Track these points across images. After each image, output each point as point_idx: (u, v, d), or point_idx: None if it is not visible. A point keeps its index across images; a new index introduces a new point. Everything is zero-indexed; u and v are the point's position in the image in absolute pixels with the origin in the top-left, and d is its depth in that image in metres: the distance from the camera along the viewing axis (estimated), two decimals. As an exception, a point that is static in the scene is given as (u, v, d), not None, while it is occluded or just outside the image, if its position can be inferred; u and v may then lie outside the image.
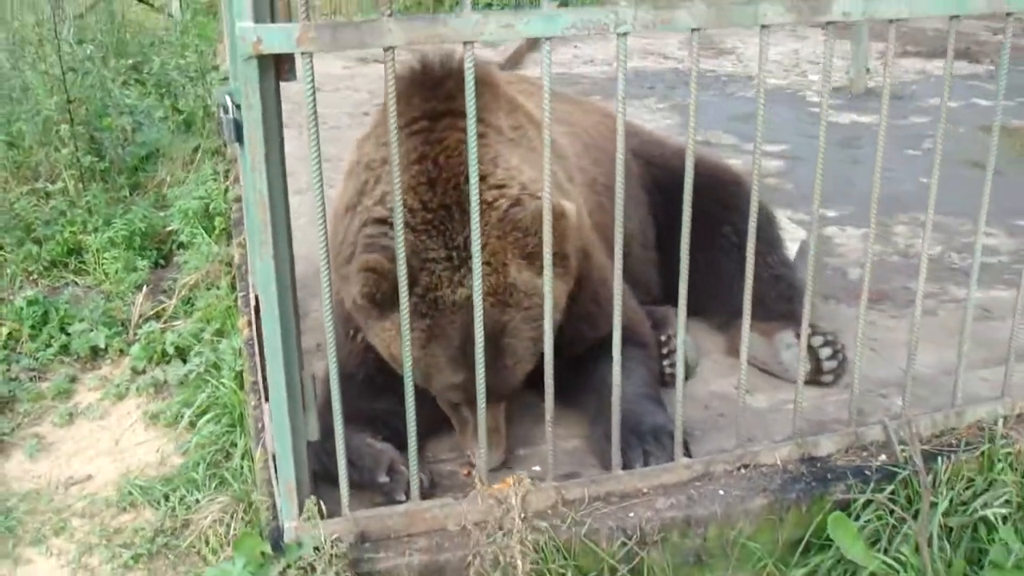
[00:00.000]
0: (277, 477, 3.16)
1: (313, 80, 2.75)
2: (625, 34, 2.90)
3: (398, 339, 3.23)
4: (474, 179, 2.96)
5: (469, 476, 3.47)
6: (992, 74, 9.50)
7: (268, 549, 3.11)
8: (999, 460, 3.56)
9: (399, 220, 2.92)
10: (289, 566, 3.01)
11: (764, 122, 3.23)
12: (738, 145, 7.44)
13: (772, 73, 9.77)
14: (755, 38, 9.93)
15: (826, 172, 6.59)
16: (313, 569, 2.98)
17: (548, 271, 3.07)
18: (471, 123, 2.90)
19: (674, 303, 3.42)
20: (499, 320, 3.32)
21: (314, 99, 2.76)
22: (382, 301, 3.21)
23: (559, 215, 3.29)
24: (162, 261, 6.44)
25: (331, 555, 2.97)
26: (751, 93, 9.03)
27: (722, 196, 4.46)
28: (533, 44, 10.77)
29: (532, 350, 3.38)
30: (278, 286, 2.83)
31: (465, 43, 2.81)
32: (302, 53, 2.70)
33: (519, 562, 2.92)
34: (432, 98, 3.57)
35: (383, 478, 3.30)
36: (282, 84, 2.83)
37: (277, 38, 2.65)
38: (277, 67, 2.77)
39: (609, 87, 8.95)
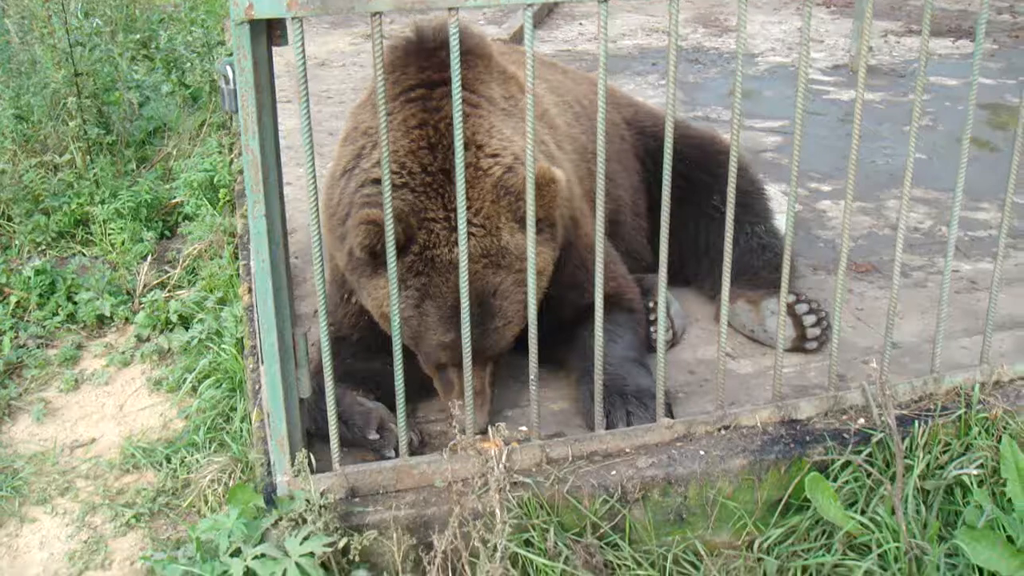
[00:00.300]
0: (271, 434, 3.26)
1: (303, 44, 2.84)
2: (605, 1, 2.97)
3: (388, 300, 3.31)
4: (459, 144, 3.06)
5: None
6: (994, 53, 9.53)
7: (261, 503, 3.22)
8: (975, 425, 3.65)
9: (387, 180, 3.01)
10: (281, 518, 3.11)
11: (741, 83, 3.27)
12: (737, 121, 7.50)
13: (775, 51, 9.81)
14: (759, 15, 10.00)
15: (824, 147, 6.69)
16: (304, 521, 3.09)
17: (531, 231, 3.16)
18: (456, 88, 2.99)
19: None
20: (491, 281, 3.42)
21: (304, 63, 2.85)
22: (381, 253, 3.27)
23: (549, 181, 3.39)
24: (167, 232, 6.55)
25: (321, 507, 3.07)
26: (752, 71, 9.07)
27: (711, 167, 4.54)
28: (539, 21, 10.83)
29: (522, 312, 3.47)
30: (270, 244, 2.94)
31: (449, 9, 2.89)
32: (292, 18, 2.79)
33: (498, 512, 3.00)
34: (427, 67, 3.67)
35: (373, 435, 3.41)
36: (286, 61, 2.92)
37: (268, 3, 2.75)
38: (269, 32, 2.86)
39: (613, 64, 9.01)
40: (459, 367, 3.35)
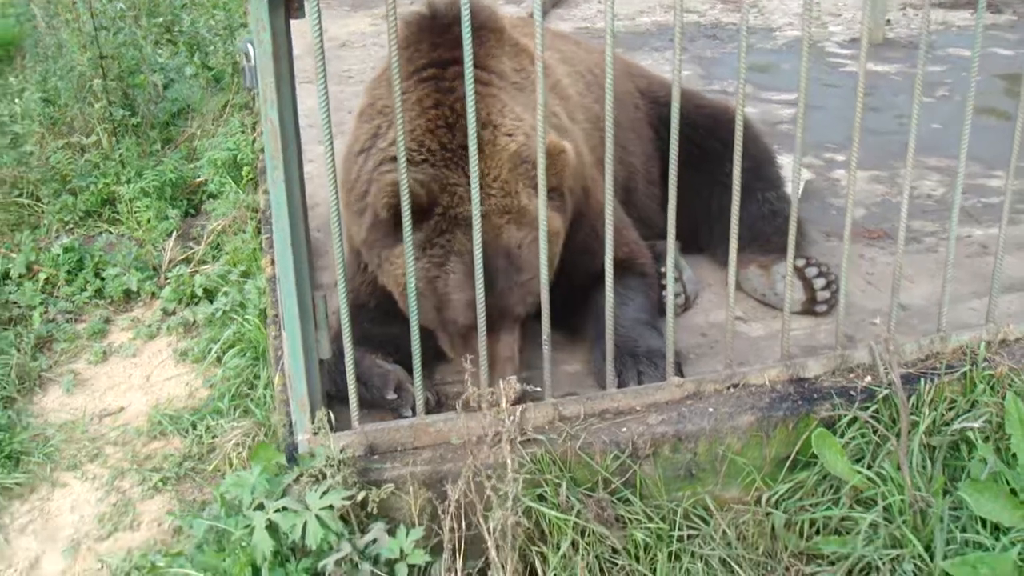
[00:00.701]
0: (292, 395, 3.37)
1: (320, 15, 2.93)
2: (611, -29, 3.05)
3: (414, 263, 3.41)
4: (471, 122, 3.17)
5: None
6: (1013, 24, 9.53)
7: (283, 461, 3.33)
8: (980, 382, 3.72)
9: (402, 150, 3.10)
10: (302, 474, 3.22)
11: (749, 53, 3.33)
12: (754, 94, 7.54)
13: (793, 25, 9.83)
14: (777, -9, 9.79)
15: (840, 119, 6.72)
16: (324, 476, 3.19)
17: (543, 193, 3.25)
18: (468, 66, 3.08)
19: (677, 237, 3.60)
20: (514, 236, 3.53)
21: (320, 34, 2.95)
22: (414, 211, 3.35)
23: (559, 152, 3.49)
24: (192, 211, 6.68)
25: (340, 461, 3.18)
26: (770, 45, 9.11)
27: (723, 135, 4.57)
28: (557, 1, 10.88)
29: (541, 277, 3.56)
30: (289, 210, 3.04)
31: (462, -20, 2.97)
32: (307, -10, 2.88)
33: (509, 462, 3.10)
34: (440, 45, 3.76)
35: (391, 395, 3.51)
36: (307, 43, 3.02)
37: (284, -25, 2.84)
38: (287, 5, 2.95)
39: (631, 41, 9.06)
40: (488, 331, 3.42)
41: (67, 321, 5.44)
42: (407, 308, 3.37)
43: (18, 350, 5.09)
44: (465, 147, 3.49)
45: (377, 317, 3.86)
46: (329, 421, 3.28)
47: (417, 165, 3.49)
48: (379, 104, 3.85)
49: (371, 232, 3.63)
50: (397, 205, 3.31)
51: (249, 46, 3.09)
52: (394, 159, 3.51)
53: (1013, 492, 3.39)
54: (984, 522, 3.37)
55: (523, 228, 3.54)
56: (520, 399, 3.37)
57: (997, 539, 3.32)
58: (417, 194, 3.38)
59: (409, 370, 3.51)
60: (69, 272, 5.76)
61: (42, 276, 5.71)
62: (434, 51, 3.77)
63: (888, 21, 9.53)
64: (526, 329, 3.77)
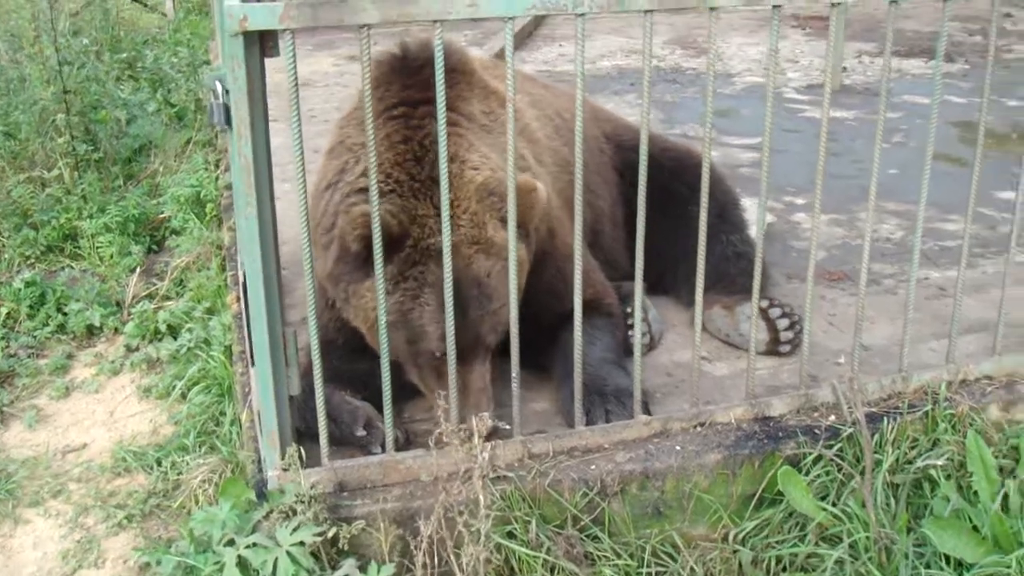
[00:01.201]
0: (261, 431, 3.37)
1: (295, 55, 2.97)
2: (583, 15, 3.12)
3: (387, 297, 3.43)
4: (443, 164, 3.21)
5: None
6: (966, 73, 9.74)
7: (253, 497, 3.33)
8: (942, 421, 3.78)
9: (373, 179, 3.14)
10: (272, 511, 3.22)
11: (714, 98, 3.40)
12: (715, 138, 7.66)
13: (752, 71, 10.00)
14: (736, 37, 10.26)
15: (800, 163, 6.85)
16: (294, 512, 3.19)
17: (512, 225, 3.30)
18: (440, 106, 3.12)
19: (643, 278, 3.64)
20: (483, 265, 3.56)
21: (295, 72, 2.98)
22: (385, 243, 3.38)
23: (531, 190, 3.56)
24: (155, 247, 6.66)
25: (311, 498, 3.19)
26: (729, 90, 9.26)
27: (688, 178, 4.66)
28: (520, 42, 11.00)
29: (510, 307, 3.57)
30: (261, 245, 3.06)
31: (435, 21, 3.02)
32: (284, 29, 2.91)
33: (481, 497, 3.12)
34: (411, 86, 3.82)
35: (361, 432, 3.52)
36: (267, 82, 3.06)
37: (262, 15, 2.88)
38: (262, 43, 2.99)
39: (593, 84, 9.17)
40: (460, 362, 3.44)
41: (29, 356, 5.39)
42: (376, 343, 3.39)
43: (-22, 385, 5.05)
44: (433, 179, 3.55)
45: (345, 354, 3.88)
46: (300, 457, 3.28)
47: (385, 196, 3.51)
48: (348, 142, 3.89)
49: (337, 266, 3.64)
50: (368, 236, 3.32)
51: (217, 83, 3.11)
52: (362, 191, 3.58)
53: (975, 529, 3.45)
54: (948, 558, 3.42)
55: (491, 258, 3.58)
56: (491, 435, 3.39)
57: (960, 575, 3.37)
58: (389, 225, 3.41)
59: (378, 407, 3.52)
60: (31, 307, 5.72)
61: (3, 310, 5.66)
62: (404, 91, 3.82)
63: (845, 69, 9.71)
64: (496, 362, 3.79)
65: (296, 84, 3.00)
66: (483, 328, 3.57)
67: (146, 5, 13.84)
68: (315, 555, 3.17)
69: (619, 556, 3.47)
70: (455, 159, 3.62)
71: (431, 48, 3.78)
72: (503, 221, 3.55)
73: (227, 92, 3.04)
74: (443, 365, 3.51)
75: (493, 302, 3.57)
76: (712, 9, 3.26)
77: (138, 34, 11.27)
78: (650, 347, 4.31)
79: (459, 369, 3.48)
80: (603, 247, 4.65)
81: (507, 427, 3.52)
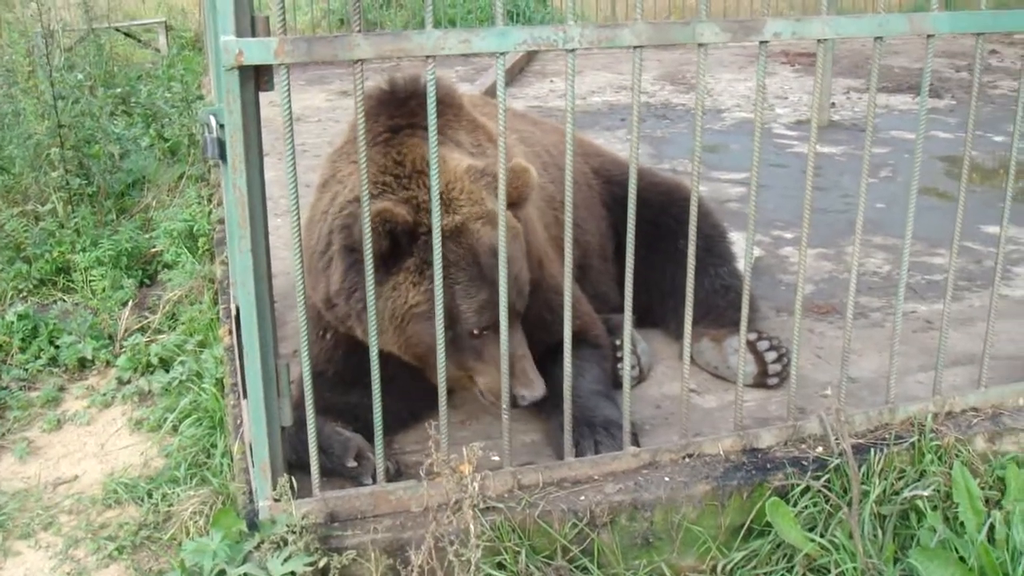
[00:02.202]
0: (253, 462, 3.39)
1: (289, 89, 3.01)
2: (573, 50, 3.17)
3: (411, 289, 3.54)
4: (435, 191, 3.22)
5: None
6: (953, 108, 9.85)
7: (244, 527, 3.34)
8: (928, 452, 3.82)
9: (366, 193, 3.17)
10: (263, 541, 3.24)
11: (702, 133, 3.45)
12: (704, 173, 7.70)
13: (740, 107, 10.10)
14: (725, 73, 10.36)
15: (787, 198, 6.92)
16: (285, 543, 3.21)
17: (503, 223, 3.34)
18: (432, 132, 3.17)
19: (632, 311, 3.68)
20: (493, 235, 3.59)
21: (290, 106, 3.03)
22: (400, 236, 3.50)
23: (523, 170, 3.70)
24: (147, 280, 6.70)
25: (302, 528, 3.20)
26: (718, 126, 9.34)
27: (676, 212, 4.72)
28: (511, 78, 11.09)
29: (525, 270, 3.77)
30: (255, 277, 3.09)
31: (427, 57, 3.07)
32: (279, 64, 2.96)
33: (472, 526, 3.14)
34: (396, 115, 3.89)
35: (351, 463, 3.55)
36: (265, 116, 3.10)
37: (257, 50, 2.92)
38: (257, 78, 3.03)
39: (583, 120, 9.26)
40: (496, 329, 3.50)
41: (20, 389, 5.41)
42: (405, 342, 3.58)
43: (-30, 417, 5.06)
44: (417, 171, 3.67)
45: (336, 385, 3.91)
46: (291, 487, 3.30)
47: (376, 199, 3.57)
48: (339, 175, 3.93)
49: (348, 277, 3.67)
50: (393, 230, 3.43)
51: (211, 117, 3.15)
52: (353, 200, 3.64)
53: (962, 560, 3.47)
54: (934, 590, 3.45)
55: (497, 228, 3.59)
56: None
57: (947, 606, 3.39)
58: (402, 216, 3.48)
59: (369, 438, 3.55)
60: (23, 339, 5.75)
61: (-5, 343, 5.69)
62: (391, 120, 3.89)
63: (833, 105, 9.81)
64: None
65: (291, 118, 3.05)
66: (511, 294, 3.57)
67: (140, 41, 13.94)
68: (306, 585, 3.18)
69: (609, 587, 3.49)
70: (444, 163, 3.69)
71: (418, 82, 3.88)
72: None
73: (221, 126, 3.08)
74: (482, 342, 3.61)
75: (512, 266, 3.59)
76: (701, 45, 3.32)
77: (132, 69, 11.37)
78: (639, 379, 4.35)
79: (496, 342, 3.53)
80: (591, 281, 4.69)
81: (495, 459, 3.54)
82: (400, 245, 3.54)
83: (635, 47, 3.23)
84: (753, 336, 4.30)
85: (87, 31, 10.74)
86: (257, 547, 3.24)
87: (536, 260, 4.01)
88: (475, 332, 3.65)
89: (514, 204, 3.63)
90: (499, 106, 3.19)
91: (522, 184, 3.69)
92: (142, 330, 5.85)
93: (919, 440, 3.83)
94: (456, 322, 3.61)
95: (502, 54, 3.13)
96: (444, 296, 3.43)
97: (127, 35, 13.78)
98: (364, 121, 3.13)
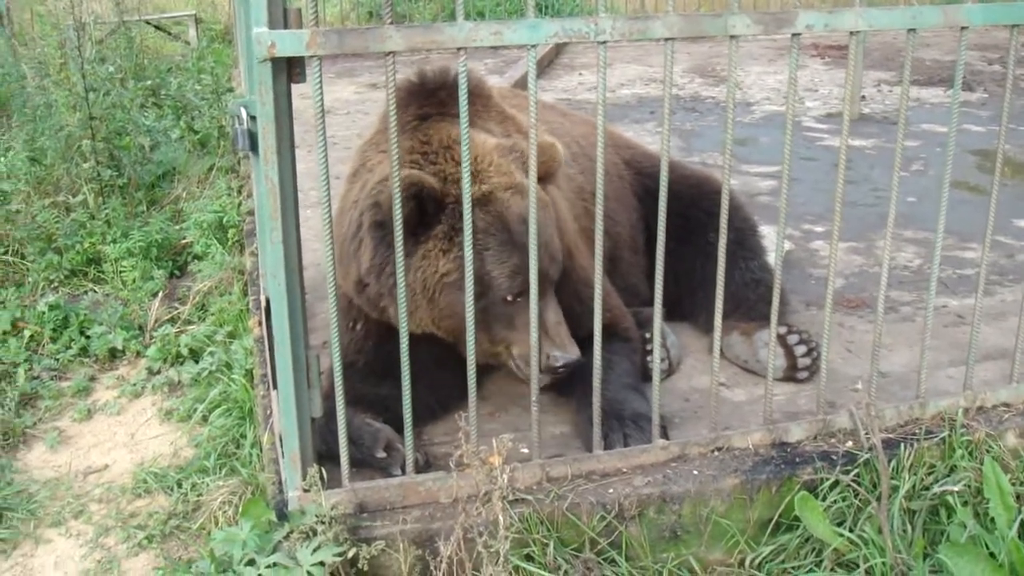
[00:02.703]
0: (283, 452, 3.40)
1: (321, 80, 3.02)
2: (604, 42, 3.16)
3: (440, 257, 3.58)
4: (466, 175, 3.22)
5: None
6: (985, 102, 9.77)
7: (274, 518, 3.36)
8: (959, 448, 3.79)
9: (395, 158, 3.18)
10: (292, 531, 3.25)
11: (733, 125, 3.44)
12: (733, 166, 7.67)
13: (770, 100, 10.05)
14: (755, 66, 10.31)
15: (818, 191, 6.89)
16: (315, 533, 3.22)
17: (533, 196, 3.33)
18: (464, 119, 3.17)
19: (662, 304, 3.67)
20: (522, 204, 3.63)
21: (322, 98, 3.03)
22: (427, 202, 3.54)
23: (549, 146, 3.76)
24: (177, 272, 6.74)
25: (331, 518, 3.21)
26: (748, 119, 9.31)
27: (707, 205, 4.70)
28: (540, 71, 11.09)
29: (556, 238, 3.81)
30: (286, 269, 3.10)
31: (459, 49, 3.07)
32: (311, 56, 2.97)
33: (501, 518, 3.14)
34: (425, 105, 3.91)
35: (381, 454, 3.56)
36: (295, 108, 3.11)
37: (289, 42, 2.93)
38: (289, 70, 3.04)
39: (612, 113, 9.24)
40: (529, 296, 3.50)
41: (52, 378, 5.46)
42: (436, 315, 3.61)
43: (2, 406, 5.10)
44: (446, 147, 3.73)
45: (366, 377, 3.92)
46: (321, 477, 3.31)
47: (409, 167, 3.63)
48: (369, 163, 3.96)
49: (377, 253, 3.69)
50: (419, 195, 3.49)
51: (242, 109, 3.16)
52: (384, 179, 3.64)
53: (992, 556, 3.45)
54: (964, 586, 3.43)
55: (527, 198, 3.56)
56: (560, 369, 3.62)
57: (977, 602, 3.37)
58: (430, 184, 3.54)
59: (398, 429, 3.56)
60: (54, 330, 5.80)
61: (27, 333, 5.74)
62: (420, 110, 3.92)
63: (863, 98, 9.75)
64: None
65: (322, 109, 3.06)
66: (544, 262, 3.60)
67: (170, 33, 14.01)
68: (335, 575, 3.19)
69: (636, 580, 3.49)
70: (472, 141, 3.72)
71: (447, 74, 3.90)
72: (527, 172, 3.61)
73: (252, 118, 3.09)
74: (515, 310, 3.64)
75: (543, 235, 3.60)
76: (732, 37, 3.31)
77: (162, 62, 11.42)
78: (668, 372, 4.34)
79: (526, 305, 3.52)
80: (622, 273, 4.68)
81: (524, 451, 3.55)
82: (428, 213, 3.57)
83: (666, 39, 3.22)
84: (783, 330, 4.28)
85: (118, 24, 10.78)
86: (286, 537, 3.26)
87: (566, 250, 4.01)
88: (508, 299, 3.67)
89: (542, 179, 3.63)
90: (530, 98, 3.18)
91: (548, 159, 3.72)
92: (172, 321, 5.89)
93: (950, 435, 3.80)
94: (488, 289, 3.64)
95: (533, 46, 3.13)
96: (475, 263, 3.45)
97: (157, 28, 13.85)
98: (395, 111, 3.14)
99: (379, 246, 3.69)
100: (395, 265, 3.32)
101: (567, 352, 3.68)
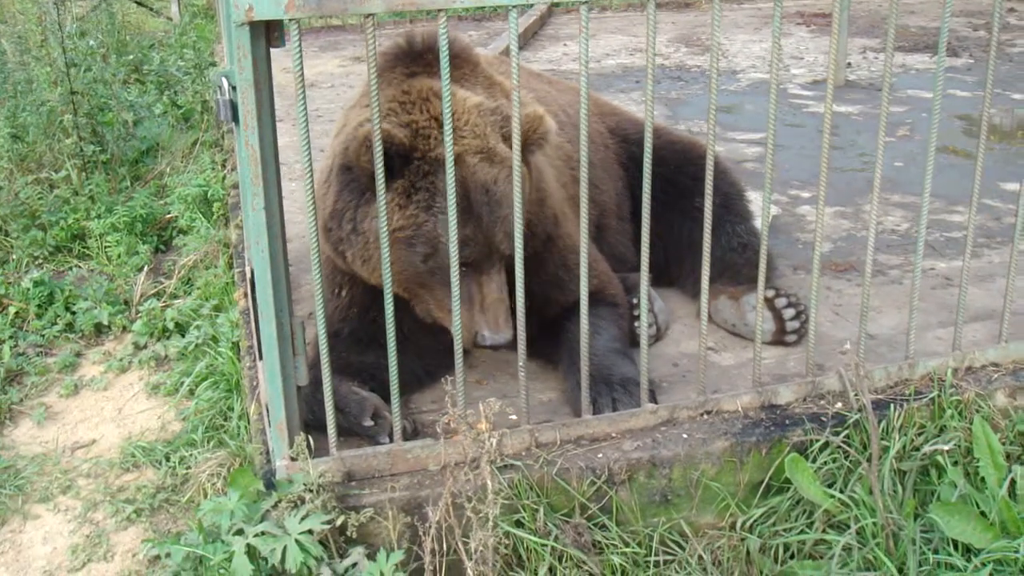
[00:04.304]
0: (269, 422, 3.38)
1: (300, 45, 2.98)
2: (586, 3, 3.13)
3: (395, 211, 3.50)
4: (448, 144, 3.19)
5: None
6: (970, 67, 9.74)
7: (261, 487, 3.34)
8: (948, 408, 3.79)
9: (376, 108, 3.15)
10: (280, 500, 3.23)
11: (718, 89, 3.41)
12: (720, 134, 7.66)
13: (756, 68, 10.00)
14: (740, 35, 10.26)
15: (804, 157, 6.87)
16: (303, 501, 3.20)
17: (517, 157, 3.31)
18: (445, 81, 3.13)
19: (649, 270, 3.65)
20: (489, 172, 3.59)
21: (301, 62, 3.00)
22: (393, 157, 3.45)
23: (537, 117, 3.64)
24: (162, 246, 6.69)
25: (319, 486, 3.20)
26: (734, 87, 9.27)
27: (693, 171, 4.68)
28: (525, 42, 11.03)
29: (516, 215, 3.53)
30: (269, 235, 3.07)
31: (439, 11, 3.03)
32: (289, 19, 2.93)
33: (489, 483, 3.13)
34: (412, 65, 3.87)
35: (368, 422, 3.54)
36: (277, 83, 3.08)
37: (267, 5, 2.89)
38: (267, 33, 3.00)
39: (597, 82, 9.19)
40: (479, 268, 3.52)
41: (37, 354, 5.42)
42: (396, 260, 3.47)
43: (-12, 383, 5.07)
44: (423, 99, 3.65)
45: (352, 345, 3.90)
46: (308, 446, 3.29)
47: (383, 118, 3.53)
48: (351, 121, 3.91)
49: (341, 198, 3.65)
50: (387, 151, 3.35)
51: (224, 79, 3.13)
52: (356, 127, 3.63)
53: (983, 515, 3.45)
54: (955, 544, 3.42)
55: (495, 166, 3.61)
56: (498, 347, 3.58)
57: (968, 560, 3.37)
58: (396, 137, 3.46)
59: (385, 397, 3.54)
60: (39, 306, 5.76)
61: (12, 310, 5.70)
62: (407, 69, 3.88)
63: (849, 64, 9.72)
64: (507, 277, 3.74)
65: (302, 75, 3.02)
66: (496, 235, 3.57)
67: (151, 9, 13.89)
68: (324, 543, 3.18)
69: (627, 544, 3.48)
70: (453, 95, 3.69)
71: (435, 37, 3.84)
72: (505, 140, 3.63)
73: (234, 89, 3.05)
74: (460, 278, 3.46)
75: (503, 207, 3.58)
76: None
77: (144, 38, 11.32)
78: (656, 337, 4.32)
79: (475, 279, 3.54)
80: (608, 242, 4.66)
81: (512, 418, 3.54)
82: (392, 168, 3.46)
83: (649, -1, 3.19)
84: (771, 293, 4.26)
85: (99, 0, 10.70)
86: (274, 506, 3.24)
87: (551, 216, 3.99)
88: None
89: (524, 148, 3.54)
90: (512, 60, 3.15)
91: (531, 129, 3.60)
92: (158, 295, 5.85)
93: (939, 395, 3.80)
94: (436, 252, 3.57)
95: (515, 7, 3.10)
96: (428, 224, 3.47)
97: (139, 3, 13.72)
98: (380, 75, 3.10)
99: (343, 191, 3.65)
100: (356, 212, 3.49)
101: (498, 333, 3.59)
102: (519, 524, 3.37)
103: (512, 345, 3.54)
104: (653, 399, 3.71)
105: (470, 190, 3.54)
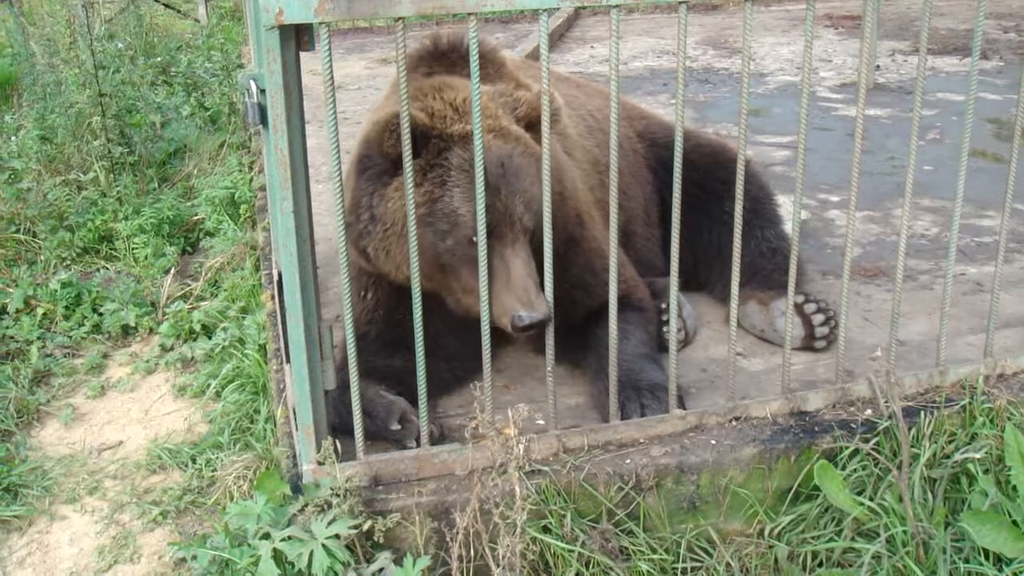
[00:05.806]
0: (297, 426, 3.38)
1: (330, 48, 2.98)
2: (617, 6, 3.11)
3: (416, 190, 3.41)
4: (477, 136, 3.18)
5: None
6: (1001, 70, 9.67)
7: (288, 491, 3.34)
8: (980, 415, 3.75)
9: (405, 98, 3.14)
10: (307, 504, 3.23)
11: (748, 89, 3.38)
12: (748, 137, 7.63)
13: (784, 71, 9.96)
14: (768, 37, 10.20)
15: (833, 161, 6.82)
16: (329, 506, 3.20)
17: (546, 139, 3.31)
18: (475, 81, 3.12)
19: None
20: (502, 147, 3.58)
21: (330, 65, 2.99)
22: (414, 137, 3.41)
23: (538, 95, 3.57)
24: (189, 248, 6.72)
25: (346, 490, 3.19)
26: (762, 89, 9.23)
27: (722, 175, 4.65)
28: (552, 43, 11.02)
29: (537, 187, 3.55)
30: (298, 239, 3.07)
31: (469, 15, 3.02)
32: (319, 23, 2.93)
33: (517, 489, 3.11)
34: (435, 66, 3.90)
35: (395, 426, 3.52)
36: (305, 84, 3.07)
37: (297, 9, 2.89)
38: (297, 37, 3.00)
39: (624, 85, 9.17)
40: (501, 241, 3.48)
41: (65, 356, 5.45)
42: (403, 253, 3.48)
43: (16, 384, 5.09)
44: (438, 88, 3.68)
45: (379, 349, 3.89)
46: (335, 450, 3.29)
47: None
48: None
49: (360, 182, 3.65)
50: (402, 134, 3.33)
51: (251, 82, 3.13)
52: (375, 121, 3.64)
53: (1015, 524, 3.41)
54: (987, 553, 3.39)
55: (509, 142, 3.60)
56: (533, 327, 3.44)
57: (1000, 570, 3.33)
58: (417, 119, 3.46)
59: (412, 401, 3.53)
60: (67, 307, 5.78)
61: (40, 311, 5.72)
62: (430, 69, 3.92)
63: (878, 67, 9.66)
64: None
65: (331, 77, 3.01)
66: (516, 207, 3.54)
67: (179, 11, 13.96)
68: (350, 548, 3.17)
69: (654, 551, 3.46)
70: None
71: (460, 38, 3.87)
72: (517, 120, 3.65)
73: (262, 92, 3.05)
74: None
75: (520, 180, 3.57)
76: (748, 1, 3.25)
77: (171, 40, 11.37)
78: (684, 342, 4.30)
79: (500, 255, 3.49)
80: (636, 247, 4.64)
81: (540, 423, 3.51)
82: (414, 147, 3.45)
83: (680, 2, 3.17)
84: (800, 299, 4.23)
85: (127, 2, 10.75)
86: (301, 510, 3.24)
87: (574, 216, 3.97)
88: (473, 239, 3.50)
89: (533, 127, 3.57)
90: (543, 63, 3.14)
91: (533, 109, 3.63)
92: (184, 297, 5.87)
93: (970, 403, 3.76)
94: (455, 227, 3.54)
95: (545, 11, 3.08)
96: (445, 200, 3.47)
97: (167, 6, 13.80)
98: (406, 75, 3.10)
99: (359, 179, 3.65)
100: (372, 199, 3.54)
101: (534, 310, 3.42)
102: (546, 530, 3.36)
103: (548, 328, 3.47)
104: (681, 404, 3.69)
105: (484, 166, 3.42)
